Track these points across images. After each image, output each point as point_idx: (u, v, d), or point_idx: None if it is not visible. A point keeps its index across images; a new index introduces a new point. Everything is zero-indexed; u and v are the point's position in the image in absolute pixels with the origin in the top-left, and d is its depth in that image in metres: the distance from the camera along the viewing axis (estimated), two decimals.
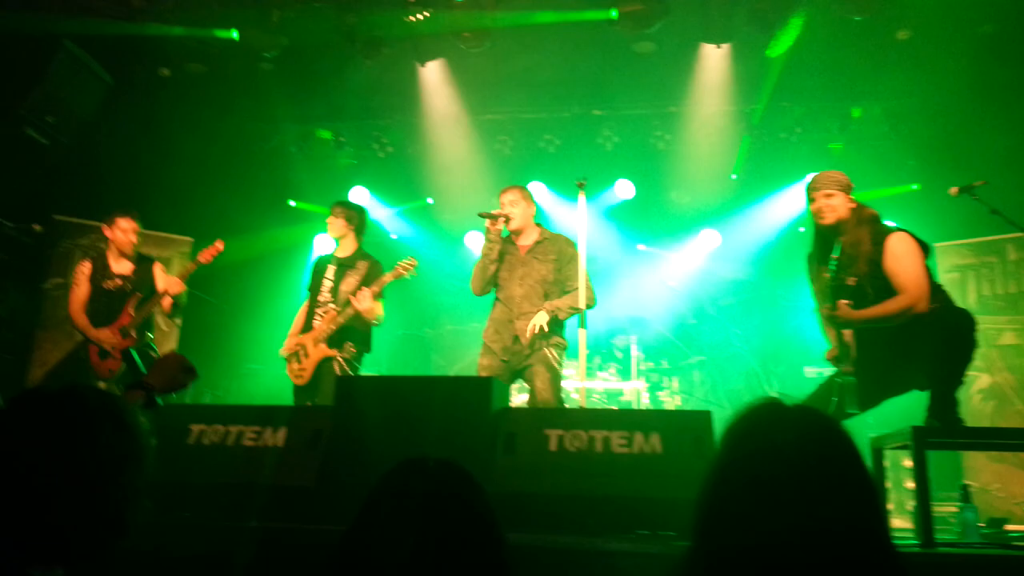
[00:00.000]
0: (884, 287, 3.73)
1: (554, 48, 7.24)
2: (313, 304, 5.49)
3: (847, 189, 3.94)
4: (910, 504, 4.90)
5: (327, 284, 5.49)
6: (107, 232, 5.70)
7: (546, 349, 4.93)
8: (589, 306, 4.97)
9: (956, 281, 6.84)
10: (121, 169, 7.30)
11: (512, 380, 5.10)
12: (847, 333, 3.92)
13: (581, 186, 5.15)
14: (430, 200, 9.10)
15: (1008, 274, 6.75)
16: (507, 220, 5.11)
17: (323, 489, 3.41)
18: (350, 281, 5.41)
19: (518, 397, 6.33)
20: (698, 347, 7.89)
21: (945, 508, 4.81)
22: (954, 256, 6.97)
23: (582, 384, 5.22)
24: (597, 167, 8.11)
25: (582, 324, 4.89)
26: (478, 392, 3.72)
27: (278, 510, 3.32)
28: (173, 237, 7.71)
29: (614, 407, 7.19)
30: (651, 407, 7.23)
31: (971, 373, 3.82)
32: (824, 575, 1.23)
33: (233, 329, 7.91)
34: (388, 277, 5.26)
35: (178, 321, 7.02)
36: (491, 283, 5.18)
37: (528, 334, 4.87)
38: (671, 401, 7.44)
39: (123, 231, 5.63)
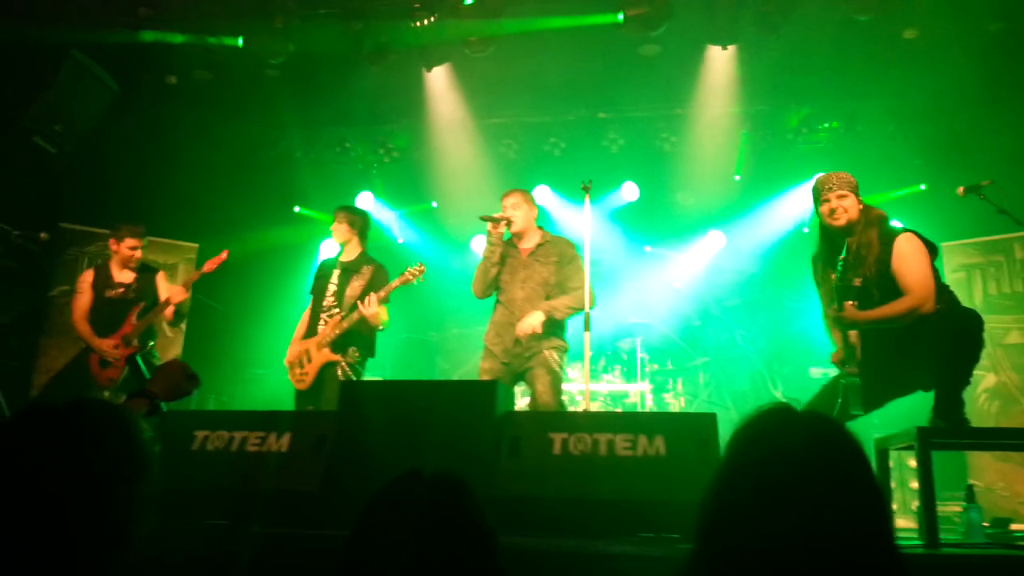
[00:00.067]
0: (890, 288, 3.73)
1: (559, 52, 7.25)
2: (317, 309, 5.50)
3: (856, 190, 3.94)
4: (914, 504, 4.88)
5: (331, 288, 5.50)
6: (113, 245, 5.77)
7: (546, 352, 4.93)
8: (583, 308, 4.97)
9: (962, 280, 6.82)
10: (127, 176, 7.34)
11: (513, 383, 5.10)
12: (852, 334, 3.92)
13: (586, 189, 5.17)
14: (434, 204, 9.11)
15: (1015, 273, 6.73)
16: (509, 223, 5.12)
17: (327, 494, 3.41)
18: (355, 286, 5.42)
19: (520, 401, 6.33)
20: (703, 348, 7.88)
21: (949, 507, 4.80)
22: (960, 255, 6.95)
23: (586, 386, 5.22)
24: (602, 170, 8.10)
25: (586, 327, 4.88)
26: (482, 396, 3.71)
27: (282, 515, 3.32)
28: (179, 244, 7.75)
29: (618, 409, 7.18)
30: (656, 409, 7.22)
31: (977, 372, 3.80)
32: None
33: (238, 334, 7.94)
34: (396, 283, 5.27)
35: (183, 326, 7.05)
36: (492, 286, 5.19)
37: (520, 334, 4.86)
38: (676, 403, 7.43)
39: (129, 248, 5.70)
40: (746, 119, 8.07)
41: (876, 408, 3.90)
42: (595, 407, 7.03)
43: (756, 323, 8.05)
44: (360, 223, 5.69)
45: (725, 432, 1.68)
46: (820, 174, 4.07)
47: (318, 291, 5.57)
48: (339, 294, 5.44)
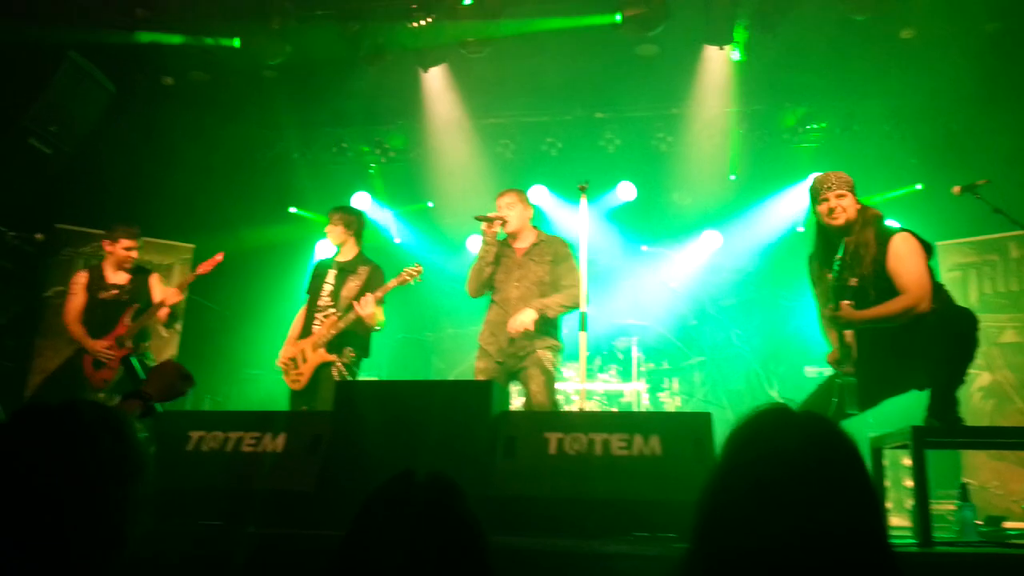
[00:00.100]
0: (886, 287, 3.74)
1: (556, 52, 7.25)
2: (312, 308, 5.49)
3: (854, 189, 3.95)
4: (909, 502, 4.90)
5: (327, 288, 5.49)
6: (107, 246, 5.75)
7: (540, 352, 4.93)
8: (577, 306, 4.98)
9: (958, 279, 6.83)
10: (123, 177, 7.33)
11: (508, 382, 5.10)
12: (848, 334, 3.92)
13: (583, 190, 5.18)
14: (431, 204, 9.12)
15: (1010, 272, 6.74)
16: (503, 223, 5.13)
17: (323, 494, 3.41)
18: (351, 286, 5.42)
19: (515, 401, 6.33)
20: (699, 348, 7.88)
21: (944, 505, 4.81)
22: (956, 254, 6.96)
23: (582, 386, 5.22)
24: (599, 170, 8.12)
25: (583, 327, 4.89)
26: (478, 396, 3.71)
27: (278, 515, 3.31)
28: (175, 244, 7.75)
29: (614, 409, 7.19)
30: (651, 408, 7.23)
31: (972, 371, 3.81)
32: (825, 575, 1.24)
33: (233, 334, 7.94)
34: (393, 283, 5.27)
35: (178, 327, 7.05)
36: (486, 285, 5.20)
37: (512, 330, 4.86)
38: (672, 402, 7.43)
39: (124, 248, 5.69)
40: (743, 119, 8.08)
41: (871, 407, 3.91)
42: (591, 406, 7.03)
43: (752, 322, 8.06)
44: (356, 224, 5.69)
45: (721, 432, 1.68)
46: (818, 174, 4.08)
47: (314, 291, 5.57)
48: (335, 294, 5.44)
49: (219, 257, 5.62)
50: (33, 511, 1.36)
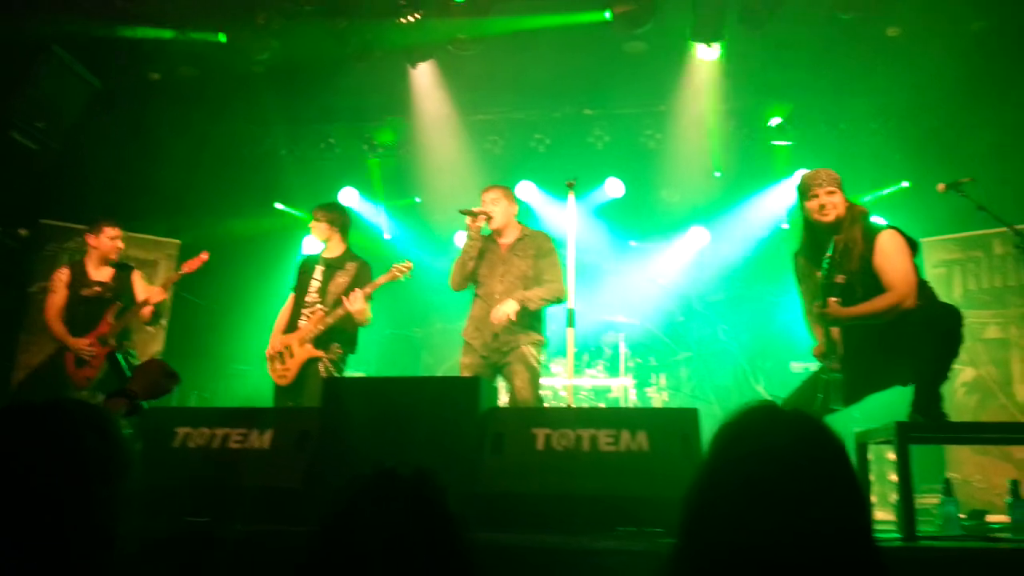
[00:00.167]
0: (873, 284, 3.77)
1: (544, 49, 7.24)
2: (299, 304, 5.47)
3: (841, 186, 3.98)
4: (893, 496, 4.93)
5: (315, 284, 5.47)
6: (91, 240, 5.68)
7: (524, 348, 4.94)
8: (559, 300, 4.99)
9: (942, 275, 6.87)
10: (109, 173, 7.29)
11: (494, 376, 5.10)
12: (835, 330, 3.96)
13: (571, 186, 5.18)
14: (418, 199, 9.11)
15: (994, 268, 6.78)
16: (488, 219, 5.13)
17: (310, 491, 3.40)
18: (339, 282, 5.40)
19: (501, 397, 6.35)
20: (686, 343, 7.91)
21: (927, 500, 4.84)
22: (940, 251, 7.01)
23: (570, 381, 5.23)
24: (588, 166, 8.12)
25: (570, 323, 4.90)
26: (466, 392, 3.71)
27: (265, 512, 3.31)
28: (160, 240, 7.70)
29: (601, 404, 7.21)
30: (639, 403, 7.25)
31: (955, 367, 3.84)
32: (813, 573, 1.25)
33: (220, 330, 7.91)
34: (383, 279, 5.26)
35: (164, 322, 7.01)
36: (469, 279, 5.21)
37: (495, 320, 4.86)
38: (659, 397, 7.46)
39: (110, 238, 5.62)
40: (730, 116, 8.10)
41: (855, 402, 3.95)
42: (580, 400, 7.06)
43: (739, 318, 8.09)
44: (340, 220, 5.66)
45: (709, 427, 1.69)
46: (806, 170, 4.10)
47: (300, 287, 5.54)
48: (323, 290, 5.42)
49: (204, 256, 5.59)
50: (16, 508, 1.36)
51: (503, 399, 5.59)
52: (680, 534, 1.37)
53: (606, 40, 7.15)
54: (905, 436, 3.33)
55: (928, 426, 3.51)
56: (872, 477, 5.20)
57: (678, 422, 3.47)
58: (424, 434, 3.46)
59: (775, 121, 8.02)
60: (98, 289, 5.61)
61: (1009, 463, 6.13)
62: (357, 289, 5.24)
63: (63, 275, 5.67)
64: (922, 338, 3.59)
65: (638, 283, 8.15)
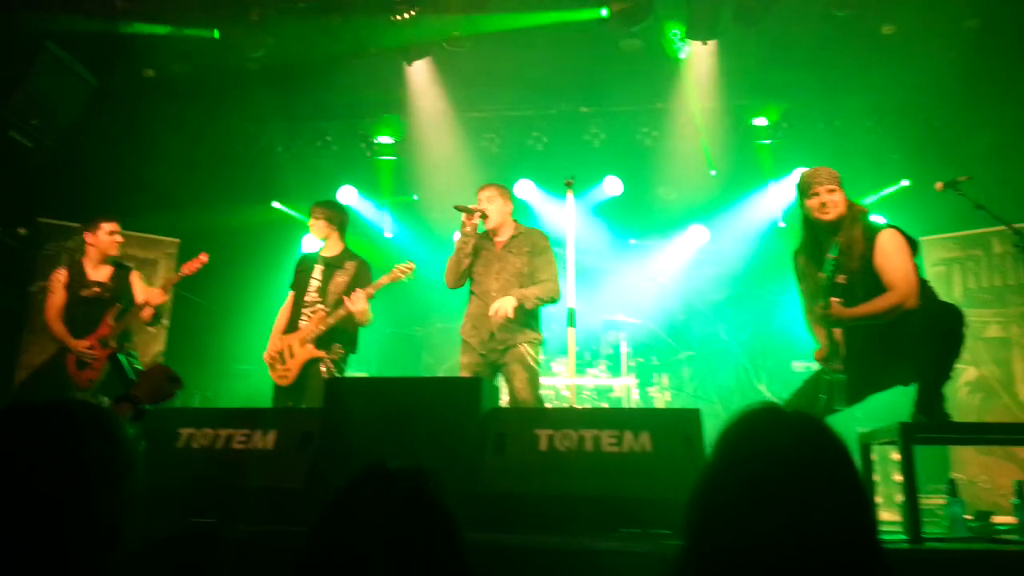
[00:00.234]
0: (874, 284, 3.76)
1: (541, 46, 7.24)
2: (299, 303, 5.43)
3: (841, 184, 3.96)
4: (899, 497, 4.93)
5: (314, 284, 5.44)
6: (89, 238, 5.63)
7: (522, 347, 4.92)
8: (554, 300, 4.98)
9: (942, 274, 6.88)
10: (106, 171, 7.27)
11: (493, 375, 5.07)
12: (837, 331, 3.94)
13: (569, 185, 5.17)
14: (415, 197, 9.09)
15: (993, 267, 6.79)
16: (483, 216, 5.11)
17: (313, 491, 3.39)
18: (339, 281, 5.38)
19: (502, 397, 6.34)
20: (687, 343, 7.92)
21: (933, 500, 4.85)
22: (940, 249, 7.01)
23: (572, 381, 5.22)
24: (585, 164, 8.13)
25: (571, 323, 4.89)
26: (467, 393, 3.70)
27: (268, 512, 3.30)
28: (159, 239, 7.68)
29: (604, 404, 7.21)
30: (641, 403, 7.25)
31: (958, 366, 3.84)
32: (816, 573, 1.26)
33: (222, 330, 7.89)
34: (385, 280, 5.23)
35: (165, 322, 6.99)
36: (464, 277, 5.19)
37: (493, 316, 4.84)
38: (661, 397, 7.45)
39: (108, 233, 5.59)
40: (726, 114, 8.10)
41: (857, 402, 3.94)
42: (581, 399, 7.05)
43: (740, 317, 8.10)
44: (338, 219, 5.63)
45: (713, 427, 1.69)
46: (805, 169, 4.08)
47: (299, 286, 5.50)
48: (323, 290, 5.39)
49: (204, 258, 5.55)
50: (20, 509, 1.35)
51: (504, 399, 5.59)
52: (686, 536, 1.38)
53: (602, 38, 7.15)
54: (909, 437, 3.33)
55: (932, 427, 3.51)
56: (877, 478, 5.20)
57: (681, 423, 3.46)
58: (426, 434, 3.45)
59: (760, 121, 8.02)
60: (97, 290, 5.57)
61: (1013, 463, 6.14)
62: (359, 289, 5.21)
63: (61, 276, 5.62)
64: (923, 338, 3.58)
65: (639, 282, 8.16)
